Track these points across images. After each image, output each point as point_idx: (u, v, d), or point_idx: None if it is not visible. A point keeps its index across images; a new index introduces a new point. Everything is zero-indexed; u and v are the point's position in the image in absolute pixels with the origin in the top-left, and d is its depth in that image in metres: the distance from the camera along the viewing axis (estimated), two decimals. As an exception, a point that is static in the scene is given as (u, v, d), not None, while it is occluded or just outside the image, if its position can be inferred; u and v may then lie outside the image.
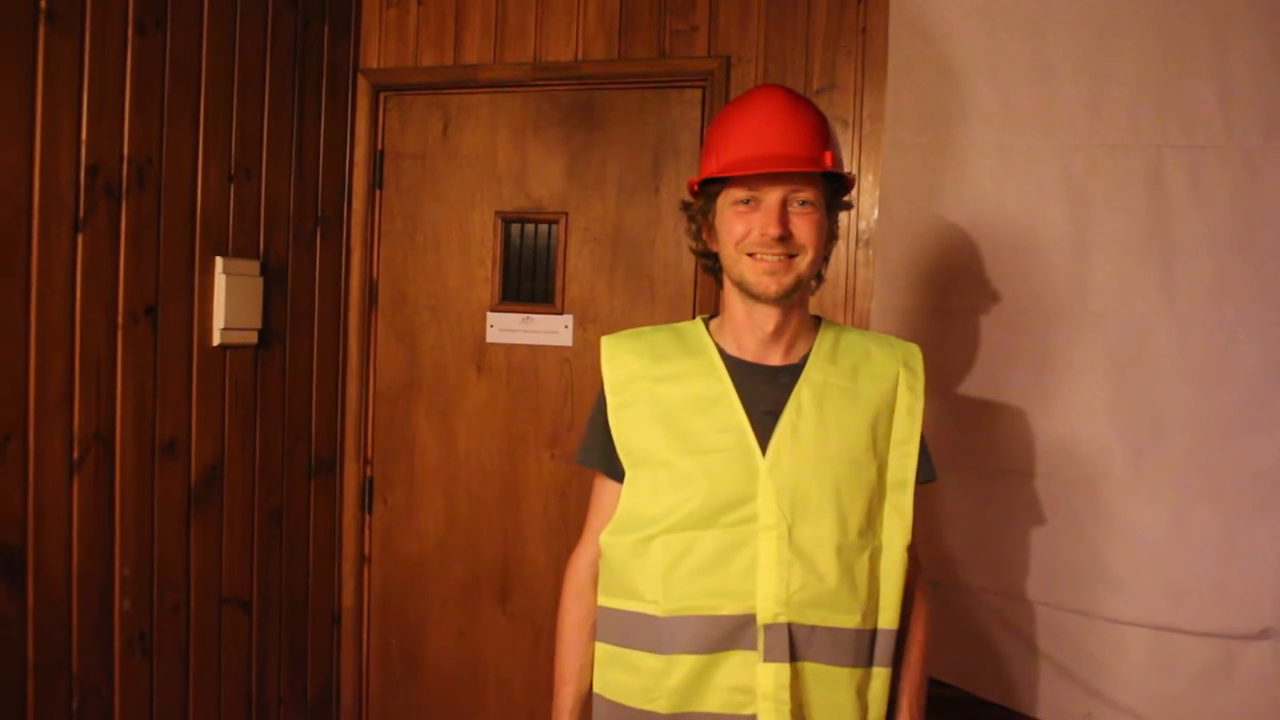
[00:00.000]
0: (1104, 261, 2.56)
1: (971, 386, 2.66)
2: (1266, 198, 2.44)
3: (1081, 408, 2.58)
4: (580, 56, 3.12)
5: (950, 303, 2.67)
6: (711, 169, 1.81)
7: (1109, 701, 2.57)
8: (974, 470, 2.67)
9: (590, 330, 3.15)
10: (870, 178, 2.83)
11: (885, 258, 2.76)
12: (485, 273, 3.28)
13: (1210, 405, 2.49)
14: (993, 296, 2.64)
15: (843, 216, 2.80)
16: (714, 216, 1.84)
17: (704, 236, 1.90)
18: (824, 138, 1.79)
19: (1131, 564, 2.55)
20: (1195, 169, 2.49)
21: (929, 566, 2.65)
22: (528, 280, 3.27)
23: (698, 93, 3.04)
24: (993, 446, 2.65)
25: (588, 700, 1.96)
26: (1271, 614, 2.44)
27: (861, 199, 2.84)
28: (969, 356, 2.66)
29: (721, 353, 1.87)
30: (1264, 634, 2.44)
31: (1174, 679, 2.52)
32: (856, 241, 2.85)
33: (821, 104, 2.85)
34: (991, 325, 2.64)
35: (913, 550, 1.87)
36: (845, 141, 2.86)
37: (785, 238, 1.74)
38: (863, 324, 2.79)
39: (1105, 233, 2.55)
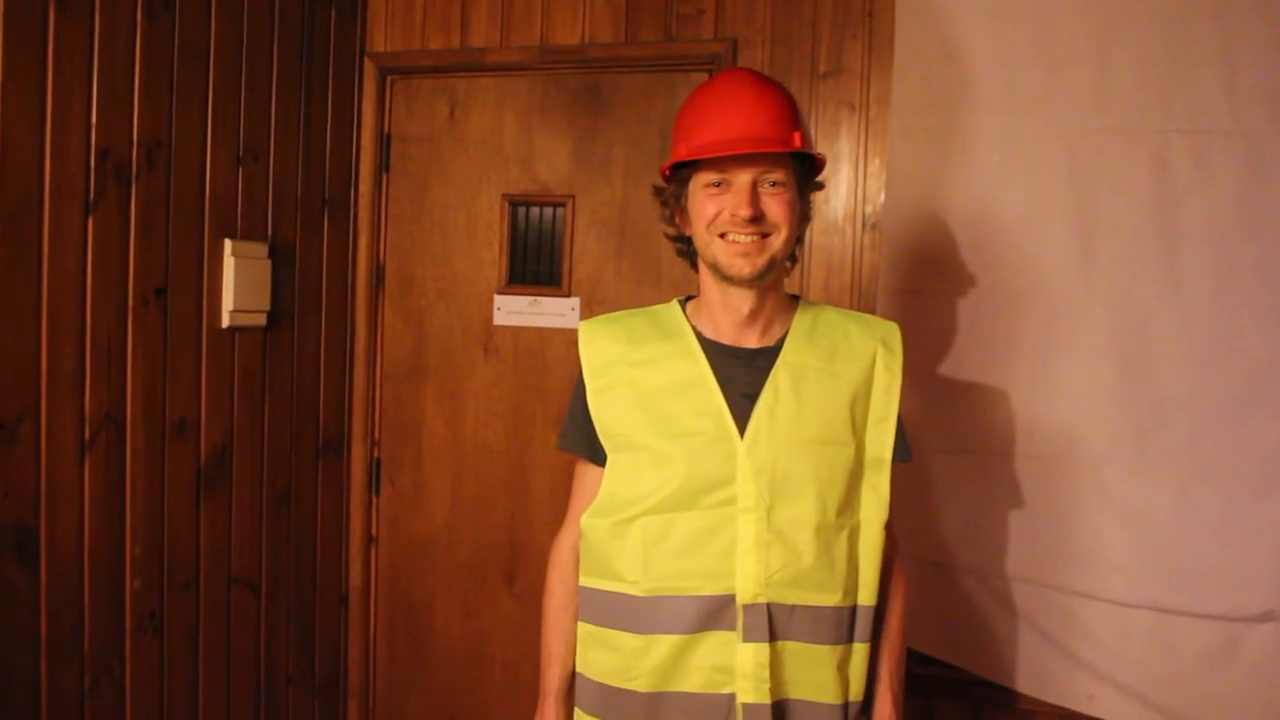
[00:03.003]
0: (1109, 246, 2.56)
1: (977, 369, 2.67)
2: (1272, 182, 2.44)
3: (1085, 391, 2.59)
4: (587, 40, 3.12)
5: (955, 286, 2.68)
6: (681, 153, 1.82)
7: (1112, 683, 2.59)
8: (977, 453, 2.68)
9: (597, 313, 3.13)
10: (877, 161, 2.83)
11: (891, 241, 2.77)
12: (492, 255, 3.29)
13: (1213, 389, 2.49)
14: (999, 280, 2.64)
15: (849, 200, 2.83)
16: (686, 200, 1.86)
17: (677, 221, 1.92)
18: (793, 118, 1.80)
19: (1134, 546, 2.56)
20: (1200, 153, 2.49)
21: (927, 547, 2.68)
22: (534, 263, 3.28)
23: (704, 76, 3.03)
24: (997, 429, 2.66)
25: (574, 680, 1.99)
26: (1274, 597, 2.45)
27: (868, 183, 2.84)
28: (974, 339, 2.67)
29: (699, 335, 1.88)
30: (1266, 616, 2.45)
31: (1177, 661, 2.53)
32: (863, 225, 2.85)
33: (828, 88, 2.86)
34: (997, 308, 2.65)
35: (889, 527, 1.89)
36: (852, 125, 2.86)
37: (757, 218, 1.75)
38: (868, 307, 2.79)
39: (1110, 217, 2.56)
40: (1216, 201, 2.48)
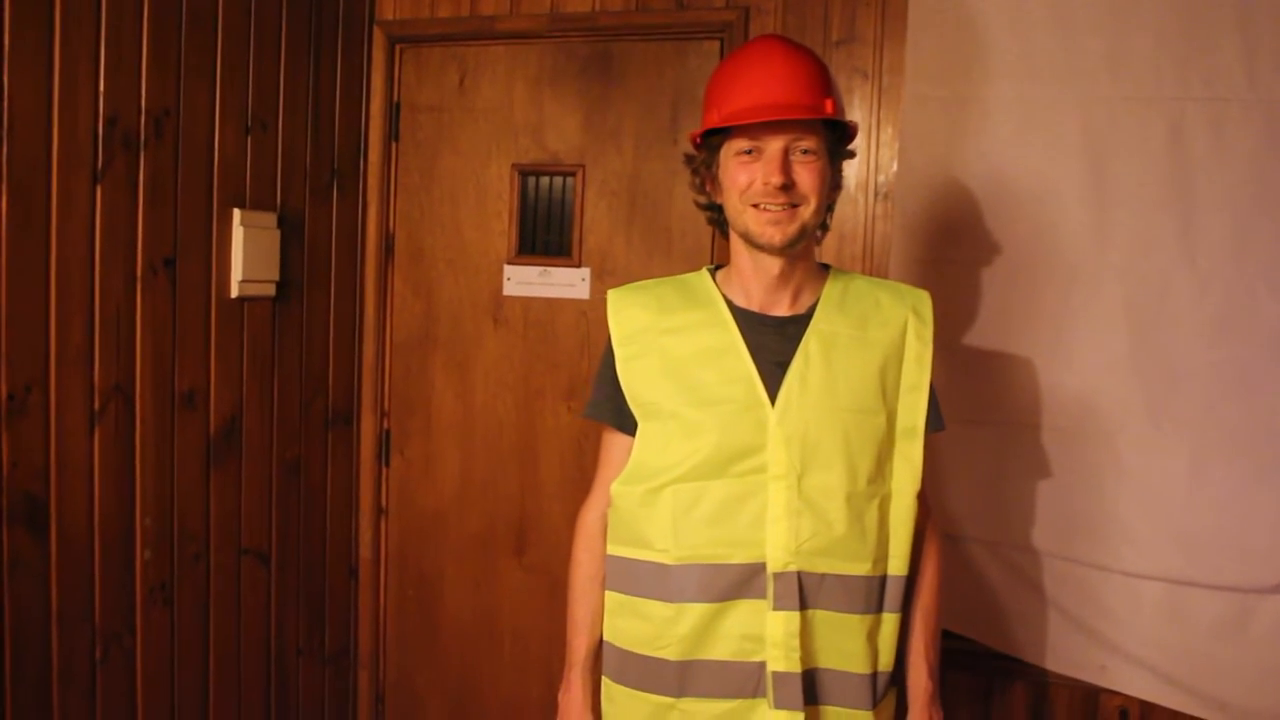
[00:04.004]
0: (1124, 215, 2.55)
1: (990, 339, 2.66)
2: (1289, 151, 2.42)
3: (1100, 362, 2.57)
4: (598, 7, 3.09)
5: (969, 256, 2.66)
6: (713, 120, 1.82)
7: (1123, 654, 2.59)
8: (990, 423, 2.67)
9: (608, 283, 3.14)
10: (889, 130, 2.81)
11: (904, 211, 2.75)
12: (502, 225, 3.28)
13: (1229, 360, 2.48)
14: (1012, 250, 2.63)
15: (862, 169, 2.81)
16: (717, 168, 1.86)
17: (708, 189, 1.91)
18: (824, 85, 1.79)
19: (1148, 518, 2.55)
20: (1217, 122, 2.47)
21: (938, 518, 2.66)
22: (544, 233, 3.26)
23: (716, 44, 3.01)
24: (1010, 400, 2.65)
25: (600, 649, 1.99)
26: (1287, 568, 2.45)
27: (880, 152, 2.82)
28: (988, 309, 2.65)
29: (729, 303, 1.88)
30: (1279, 588, 2.44)
31: (1189, 632, 2.53)
32: (875, 194, 2.83)
33: (841, 56, 2.83)
34: (1010, 279, 2.63)
35: (922, 497, 1.90)
36: (864, 94, 2.84)
37: (788, 186, 1.75)
38: (880, 276, 2.78)
39: (1126, 186, 2.54)
40: (1233, 171, 2.46)
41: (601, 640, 1.97)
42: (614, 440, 1.98)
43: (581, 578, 2.03)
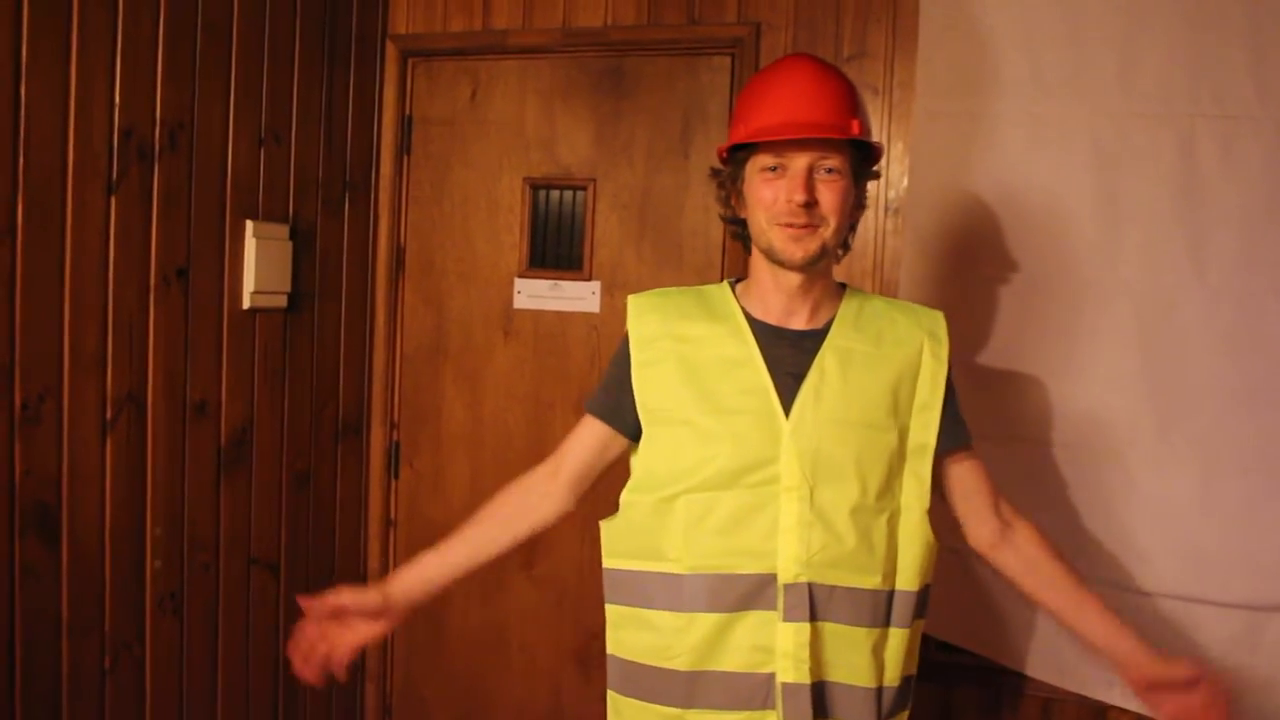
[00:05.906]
0: (1134, 231, 2.54)
1: (999, 355, 2.65)
2: (1299, 168, 2.42)
3: (1109, 378, 2.57)
4: (610, 22, 3.11)
5: (979, 272, 2.66)
6: (739, 135, 1.83)
7: (1133, 671, 2.58)
8: (999, 439, 2.65)
9: (618, 297, 3.15)
10: (900, 146, 2.82)
11: (914, 226, 2.75)
12: (513, 239, 3.29)
13: (1239, 376, 2.47)
14: (1021, 266, 2.63)
15: (871, 185, 2.80)
16: (743, 183, 1.86)
17: (733, 203, 1.92)
18: (852, 106, 1.80)
19: (1158, 535, 2.54)
20: (1227, 139, 2.47)
21: (946, 533, 2.65)
22: (555, 246, 3.27)
23: (727, 60, 3.03)
24: (1019, 415, 2.65)
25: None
26: (1297, 585, 2.44)
27: (891, 167, 2.83)
28: (997, 325, 2.65)
29: (747, 316, 1.89)
30: (1289, 606, 2.44)
31: (1198, 649, 2.51)
32: (885, 210, 2.84)
33: (852, 72, 2.84)
34: (1020, 294, 2.63)
35: (995, 502, 2.03)
36: (875, 109, 2.85)
37: (811, 205, 1.75)
38: (891, 292, 2.79)
39: (1136, 202, 2.54)
40: (1243, 186, 2.46)
41: (606, 654, 1.97)
42: (593, 427, 2.00)
43: (489, 505, 2.07)
